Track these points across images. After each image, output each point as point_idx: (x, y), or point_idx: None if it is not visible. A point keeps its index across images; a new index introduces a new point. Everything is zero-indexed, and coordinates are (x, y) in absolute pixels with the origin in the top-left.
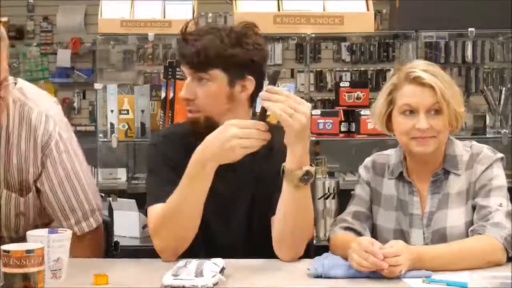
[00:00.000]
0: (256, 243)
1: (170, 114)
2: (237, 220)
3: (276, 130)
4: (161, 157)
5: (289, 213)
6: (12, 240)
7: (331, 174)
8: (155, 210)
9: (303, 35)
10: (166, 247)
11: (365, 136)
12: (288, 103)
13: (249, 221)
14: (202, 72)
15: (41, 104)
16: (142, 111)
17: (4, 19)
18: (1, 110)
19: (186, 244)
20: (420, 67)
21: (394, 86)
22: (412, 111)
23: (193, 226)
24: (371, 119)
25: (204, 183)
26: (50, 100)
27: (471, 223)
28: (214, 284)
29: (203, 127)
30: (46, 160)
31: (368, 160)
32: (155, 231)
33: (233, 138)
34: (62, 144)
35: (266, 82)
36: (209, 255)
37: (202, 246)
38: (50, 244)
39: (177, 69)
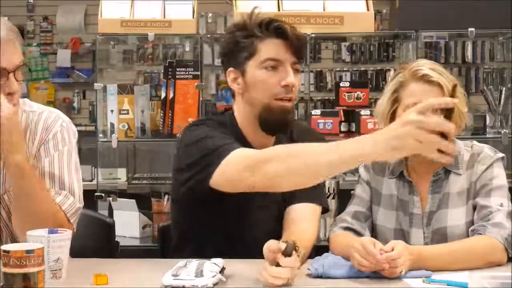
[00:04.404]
0: None
1: (170, 114)
2: (265, 231)
3: (298, 127)
4: (213, 129)
5: None
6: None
7: None
8: (247, 151)
9: None
10: (264, 183)
11: None
12: None
13: (276, 230)
14: (298, 63)
15: (50, 109)
16: (142, 111)
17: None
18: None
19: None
20: (426, 65)
21: (400, 84)
22: None
23: (307, 180)
24: (374, 117)
25: (372, 153)
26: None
27: (471, 222)
28: (214, 284)
29: (291, 118)
30: (47, 141)
31: None
32: (263, 164)
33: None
34: (60, 135)
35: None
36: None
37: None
38: (50, 244)
39: (177, 69)
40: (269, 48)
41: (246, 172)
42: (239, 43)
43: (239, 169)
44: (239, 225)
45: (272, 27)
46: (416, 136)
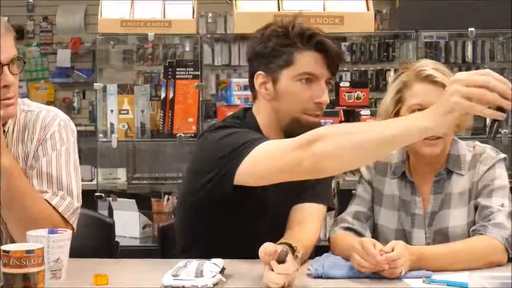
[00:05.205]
0: None
1: (170, 114)
2: (280, 230)
3: None
4: (241, 129)
5: None
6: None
7: None
8: (275, 143)
9: None
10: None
11: None
12: None
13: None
14: (332, 79)
15: (48, 107)
16: (142, 111)
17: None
18: (14, 89)
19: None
20: (430, 65)
21: (404, 84)
22: (422, 110)
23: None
24: (376, 117)
25: (425, 122)
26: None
27: (473, 223)
28: (214, 284)
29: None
30: (45, 140)
31: None
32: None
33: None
34: (58, 135)
35: None
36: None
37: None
38: (50, 244)
39: (177, 69)
40: (307, 61)
41: (295, 151)
42: (275, 49)
43: (280, 154)
44: (258, 224)
45: (315, 41)
46: (464, 94)
